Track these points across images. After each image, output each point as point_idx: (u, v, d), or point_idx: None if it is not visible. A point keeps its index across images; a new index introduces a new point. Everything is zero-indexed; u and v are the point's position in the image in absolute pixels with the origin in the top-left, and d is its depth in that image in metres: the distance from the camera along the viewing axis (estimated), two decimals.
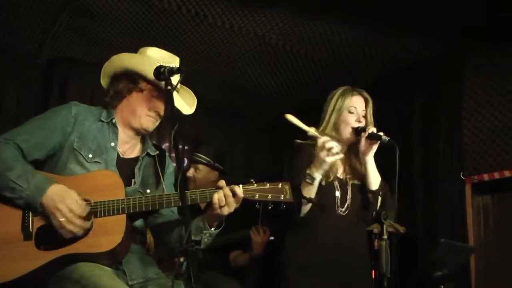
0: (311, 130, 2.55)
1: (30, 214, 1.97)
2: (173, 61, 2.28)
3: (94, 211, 1.98)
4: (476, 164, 3.84)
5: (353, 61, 4.25)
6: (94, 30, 3.96)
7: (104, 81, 2.33)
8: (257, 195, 2.09)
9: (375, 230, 3.41)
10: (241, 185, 2.08)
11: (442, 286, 3.06)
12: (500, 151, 3.73)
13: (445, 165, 3.95)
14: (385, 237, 2.50)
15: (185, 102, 2.30)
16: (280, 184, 2.14)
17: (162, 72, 2.02)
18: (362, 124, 2.72)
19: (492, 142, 3.78)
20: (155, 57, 2.26)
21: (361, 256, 2.72)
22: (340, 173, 2.76)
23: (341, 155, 2.55)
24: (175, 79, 2.05)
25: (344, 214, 2.69)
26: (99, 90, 2.38)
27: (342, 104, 2.74)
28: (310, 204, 2.60)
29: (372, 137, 2.64)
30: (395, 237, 3.40)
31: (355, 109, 2.73)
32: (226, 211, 2.03)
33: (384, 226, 2.55)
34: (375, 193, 2.68)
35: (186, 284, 1.58)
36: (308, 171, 2.54)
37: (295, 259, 2.68)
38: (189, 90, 2.38)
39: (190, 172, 3.83)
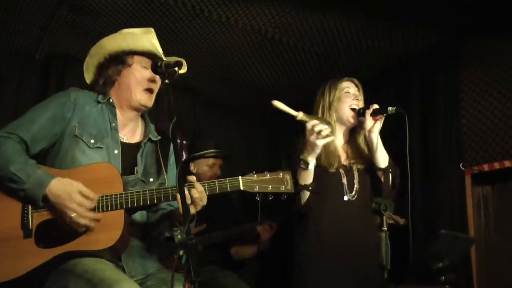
0: (300, 115, 2.51)
1: (29, 210, 1.97)
2: (149, 31, 2.30)
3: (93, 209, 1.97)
4: (476, 154, 3.83)
5: (350, 54, 4.23)
6: (91, 26, 3.94)
7: (89, 76, 2.34)
8: (256, 186, 2.06)
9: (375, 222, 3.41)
10: (240, 177, 2.06)
11: (443, 278, 3.06)
12: (500, 141, 3.71)
13: (445, 156, 3.93)
14: (385, 228, 2.50)
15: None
16: (281, 173, 2.11)
17: (159, 66, 2.02)
18: (360, 103, 2.75)
19: (491, 132, 3.76)
20: (131, 31, 2.27)
21: (372, 240, 2.70)
22: (343, 160, 2.76)
23: (332, 137, 2.55)
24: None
25: (353, 199, 2.69)
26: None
27: (336, 88, 2.77)
28: (308, 192, 2.59)
29: (377, 112, 2.65)
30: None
31: (349, 90, 2.78)
32: (192, 209, 1.98)
33: (384, 217, 2.55)
34: (385, 170, 2.68)
35: (186, 277, 1.58)
36: (301, 157, 2.54)
37: (307, 250, 2.68)
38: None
39: (194, 169, 3.83)
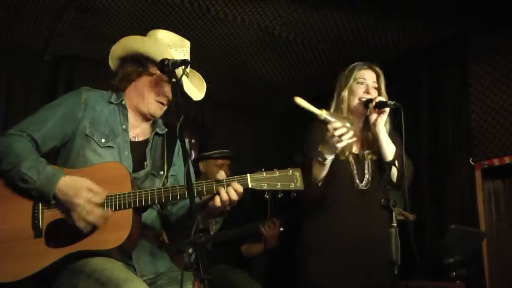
0: (323, 114, 2.43)
1: (40, 210, 1.98)
2: (184, 44, 2.29)
3: (102, 206, 1.97)
4: (486, 149, 3.80)
5: (357, 49, 4.22)
6: (98, 27, 3.97)
7: (112, 63, 2.32)
8: (265, 185, 2.03)
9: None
10: (248, 174, 2.03)
11: (454, 273, 3.04)
12: (510, 136, 3.69)
13: (454, 151, 3.92)
14: (395, 224, 2.48)
15: (194, 86, 2.29)
16: (290, 170, 2.07)
17: (166, 65, 2.02)
18: (372, 96, 2.69)
19: (501, 126, 3.74)
20: (166, 40, 2.26)
21: (383, 234, 2.59)
22: (355, 149, 2.74)
23: (354, 139, 2.48)
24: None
25: (365, 188, 2.67)
26: (104, 86, 2.37)
27: (351, 76, 2.73)
28: (319, 186, 2.57)
29: (379, 106, 2.62)
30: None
31: (364, 80, 2.73)
32: (228, 207, 2.01)
33: (394, 213, 2.54)
34: (389, 163, 2.64)
35: (195, 275, 1.58)
36: (320, 149, 2.48)
37: (314, 244, 2.66)
38: (198, 74, 2.37)
39: (203, 168, 3.86)
